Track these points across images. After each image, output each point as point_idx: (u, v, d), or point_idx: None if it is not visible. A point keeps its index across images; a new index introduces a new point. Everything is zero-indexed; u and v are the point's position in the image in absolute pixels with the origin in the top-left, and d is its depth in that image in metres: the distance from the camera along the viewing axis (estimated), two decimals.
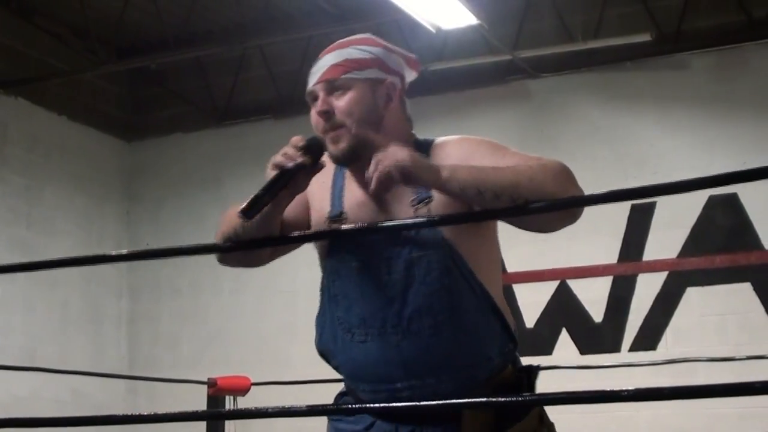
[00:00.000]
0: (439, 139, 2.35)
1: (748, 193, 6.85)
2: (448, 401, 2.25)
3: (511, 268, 7.50)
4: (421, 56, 8.65)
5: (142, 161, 8.95)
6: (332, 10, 7.17)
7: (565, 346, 7.22)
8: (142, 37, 8.09)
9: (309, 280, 7.89)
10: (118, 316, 8.68)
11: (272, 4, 7.71)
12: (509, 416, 2.26)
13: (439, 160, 2.21)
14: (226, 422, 5.46)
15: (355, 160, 2.26)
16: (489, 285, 2.26)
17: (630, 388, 1.66)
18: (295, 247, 2.45)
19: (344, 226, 2.26)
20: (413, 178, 2.06)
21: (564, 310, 7.28)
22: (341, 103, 2.25)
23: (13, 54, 7.85)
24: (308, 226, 2.38)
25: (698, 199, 6.96)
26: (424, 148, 2.30)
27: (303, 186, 2.20)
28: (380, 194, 2.21)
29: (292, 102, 8.14)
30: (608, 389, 1.74)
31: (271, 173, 2.14)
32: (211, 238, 2.43)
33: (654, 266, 7.11)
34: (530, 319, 7.36)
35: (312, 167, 2.16)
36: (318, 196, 2.35)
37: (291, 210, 2.30)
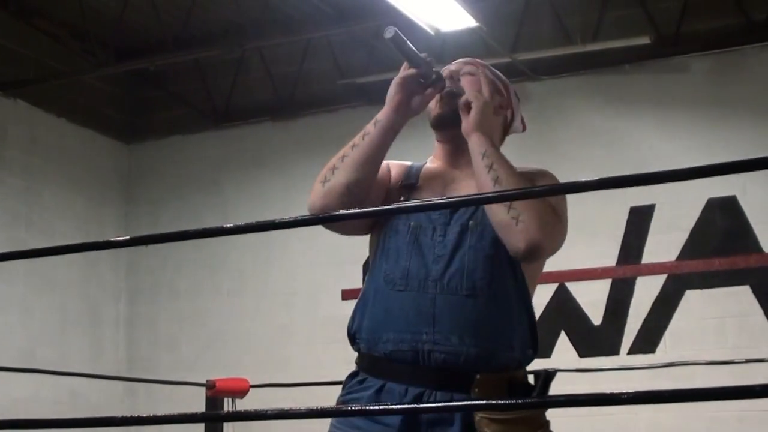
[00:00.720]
0: (525, 166, 2.61)
1: (747, 196, 6.85)
2: (448, 404, 2.25)
3: None
4: None
5: (141, 163, 8.95)
6: (331, 12, 7.17)
7: (563, 349, 7.22)
8: (141, 39, 8.09)
9: (307, 283, 7.93)
10: (116, 318, 8.68)
11: (271, 6, 7.71)
12: (520, 395, 2.34)
13: None
14: (225, 424, 5.45)
15: (447, 126, 2.55)
16: (529, 281, 2.43)
17: (629, 391, 1.66)
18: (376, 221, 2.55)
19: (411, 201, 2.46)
20: (480, 109, 2.45)
21: (563, 313, 7.28)
22: (468, 79, 2.59)
23: (11, 56, 7.85)
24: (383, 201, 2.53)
25: (697, 201, 6.97)
26: None
27: (420, 108, 2.53)
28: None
29: (291, 104, 8.14)
30: (607, 392, 1.74)
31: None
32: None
33: (653, 269, 7.11)
34: None
35: (438, 82, 2.49)
36: (396, 175, 2.55)
37: (379, 180, 2.49)
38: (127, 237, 1.89)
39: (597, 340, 7.17)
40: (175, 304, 8.54)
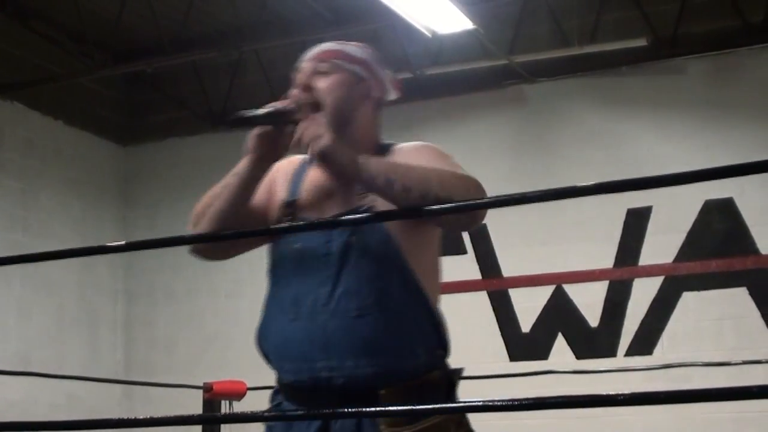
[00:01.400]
0: (401, 144, 2.45)
1: (744, 198, 6.86)
2: (440, 405, 2.24)
3: (507, 272, 7.51)
4: (417, 61, 8.68)
5: (138, 166, 8.95)
6: (329, 15, 7.17)
7: (561, 351, 7.22)
8: (138, 42, 8.09)
9: None
10: (113, 321, 8.67)
11: (268, 9, 7.71)
12: (432, 401, 2.29)
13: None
14: (222, 426, 5.45)
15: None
16: (425, 285, 2.32)
17: (626, 392, 1.66)
18: (265, 240, 2.49)
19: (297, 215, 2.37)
20: (329, 157, 2.18)
21: (560, 315, 7.28)
22: (322, 83, 2.35)
23: (9, 58, 7.85)
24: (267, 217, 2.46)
25: (694, 203, 6.97)
26: (384, 150, 2.41)
27: (281, 153, 2.34)
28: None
29: None
30: (604, 393, 1.74)
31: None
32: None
33: (650, 271, 7.11)
34: (526, 323, 7.37)
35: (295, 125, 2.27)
36: (280, 185, 2.45)
37: (259, 199, 2.42)
38: (123, 242, 1.89)
39: (594, 342, 7.17)
40: (173, 307, 8.53)
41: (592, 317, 7.21)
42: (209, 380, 5.34)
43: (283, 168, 2.46)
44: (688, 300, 6.98)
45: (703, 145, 7.11)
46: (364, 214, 2.27)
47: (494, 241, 7.46)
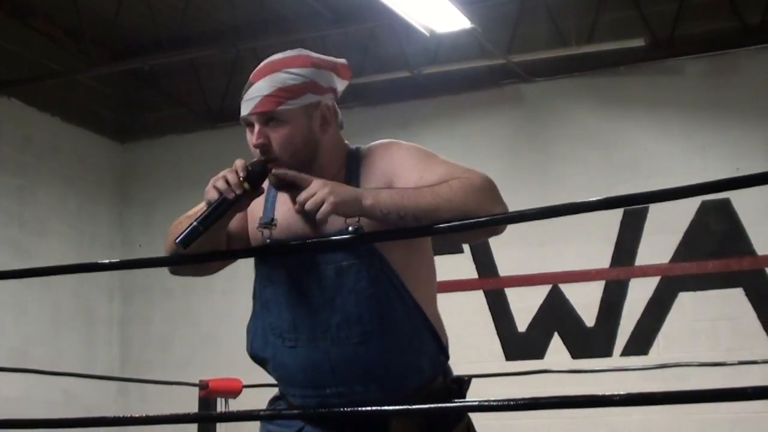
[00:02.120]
0: (368, 146, 2.36)
1: (740, 199, 6.86)
2: (439, 404, 2.24)
3: (503, 272, 7.51)
4: (415, 60, 8.66)
5: (135, 163, 8.95)
6: (326, 13, 7.17)
7: (557, 351, 7.23)
8: (135, 39, 8.08)
9: None
10: (110, 318, 8.67)
11: (266, 7, 7.71)
12: (438, 427, 2.27)
13: (370, 168, 2.28)
14: (218, 424, 5.45)
15: (290, 188, 2.25)
16: (421, 297, 2.28)
17: (622, 392, 1.66)
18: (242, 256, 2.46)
19: (274, 237, 2.30)
20: (339, 213, 2.12)
21: (556, 315, 7.29)
22: (277, 136, 2.24)
23: (6, 55, 7.84)
24: (248, 234, 2.40)
25: (691, 204, 6.97)
26: (356, 159, 2.33)
27: (245, 207, 2.26)
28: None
29: None
30: (600, 394, 1.74)
31: (211, 194, 2.18)
32: None
33: (646, 271, 7.12)
34: (522, 323, 7.37)
35: (253, 193, 2.20)
36: (255, 203, 2.33)
37: (234, 219, 2.33)
38: (117, 260, 1.89)
39: (590, 342, 7.18)
40: (169, 304, 8.53)
41: (588, 317, 7.22)
42: (205, 378, 5.35)
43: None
44: (685, 300, 6.99)
45: (700, 145, 7.12)
46: (359, 234, 2.19)
47: (490, 241, 7.46)
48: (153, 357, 8.51)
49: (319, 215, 2.09)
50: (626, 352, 7.06)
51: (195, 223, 2.14)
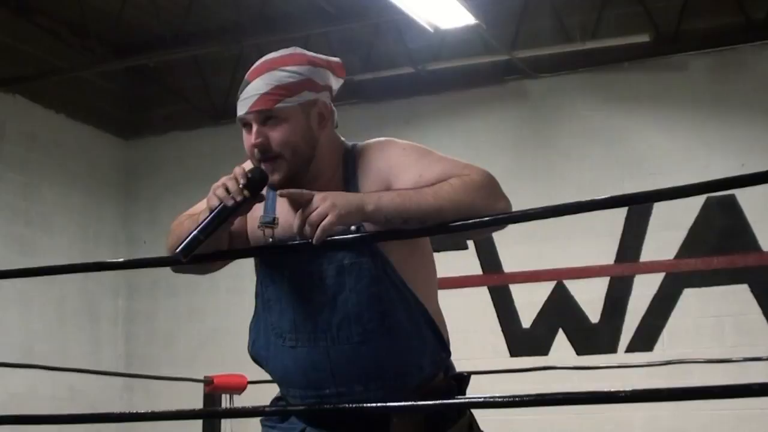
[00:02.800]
0: (364, 145, 2.35)
1: (745, 195, 6.84)
2: (445, 401, 2.24)
3: (507, 268, 7.50)
4: (419, 56, 8.64)
5: (139, 159, 8.95)
6: (330, 10, 7.16)
7: (561, 347, 7.22)
8: (140, 36, 8.08)
9: None
10: (115, 314, 8.68)
11: (270, 3, 7.71)
12: (438, 425, 2.26)
13: (367, 168, 2.27)
14: (223, 420, 5.45)
15: (291, 187, 2.23)
16: (422, 293, 2.28)
17: (627, 389, 1.66)
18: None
19: (276, 236, 2.29)
20: (342, 224, 2.11)
21: (561, 311, 7.28)
22: (276, 134, 2.23)
23: (11, 51, 7.84)
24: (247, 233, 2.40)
25: (696, 200, 6.96)
26: (352, 157, 2.32)
27: (246, 212, 2.25)
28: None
29: None
30: (605, 390, 1.74)
31: (212, 201, 2.17)
32: None
33: (651, 267, 7.11)
34: (527, 319, 7.36)
35: (253, 199, 2.19)
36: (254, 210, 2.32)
37: (237, 230, 2.34)
38: (121, 259, 1.89)
39: (595, 338, 7.17)
40: (174, 301, 8.54)
41: (593, 313, 7.21)
42: (210, 374, 5.35)
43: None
44: (689, 297, 6.98)
45: (704, 141, 7.11)
46: (363, 233, 2.19)
47: (495, 237, 7.45)
48: (158, 353, 8.52)
49: (321, 229, 2.07)
50: (631, 349, 7.06)
51: (195, 232, 2.15)
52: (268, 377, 2.46)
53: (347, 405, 2.23)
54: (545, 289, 7.35)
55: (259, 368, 2.46)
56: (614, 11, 7.46)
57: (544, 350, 7.25)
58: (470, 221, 2.11)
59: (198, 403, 5.36)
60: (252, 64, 2.35)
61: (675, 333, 6.97)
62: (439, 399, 2.27)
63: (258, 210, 2.33)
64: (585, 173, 7.33)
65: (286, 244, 2.28)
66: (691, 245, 7.02)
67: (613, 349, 7.10)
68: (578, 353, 7.17)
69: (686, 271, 7.00)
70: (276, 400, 2.46)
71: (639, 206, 7.11)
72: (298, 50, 2.35)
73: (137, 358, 8.60)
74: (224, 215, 2.17)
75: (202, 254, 2.24)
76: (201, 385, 5.29)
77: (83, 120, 8.52)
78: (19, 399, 7.33)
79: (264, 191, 2.26)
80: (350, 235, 2.17)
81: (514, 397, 1.94)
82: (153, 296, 8.63)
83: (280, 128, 2.23)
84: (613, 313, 7.15)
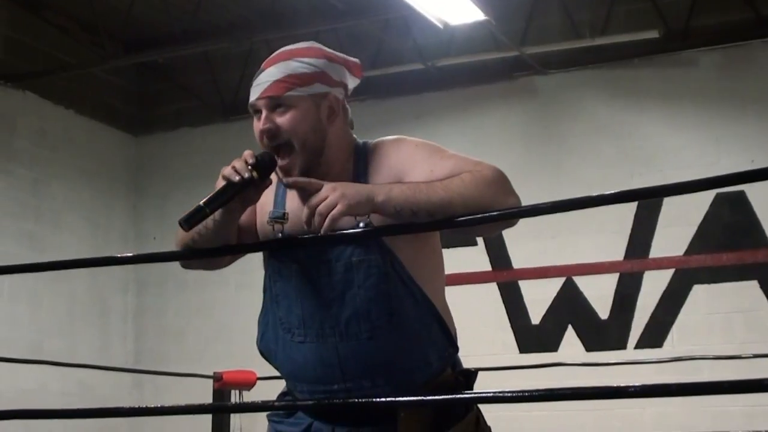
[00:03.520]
0: (376, 142, 2.35)
1: (755, 191, 6.83)
2: (453, 395, 2.24)
3: (517, 264, 7.50)
4: (429, 52, 8.64)
5: (148, 155, 8.97)
6: (340, 6, 7.16)
7: (570, 343, 7.22)
8: (149, 32, 8.10)
9: None
10: (124, 310, 8.70)
11: (279, 0, 7.71)
12: (446, 418, 2.27)
13: (378, 164, 2.28)
14: (232, 416, 5.46)
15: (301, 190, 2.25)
16: (430, 289, 2.28)
17: (636, 384, 1.66)
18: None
19: (285, 231, 2.30)
20: (351, 214, 2.10)
21: (570, 307, 7.28)
22: (285, 120, 2.24)
23: (21, 48, 7.87)
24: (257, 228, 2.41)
25: (705, 196, 6.95)
26: (363, 153, 2.32)
27: (255, 199, 2.25)
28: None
29: None
30: (614, 386, 1.74)
31: (220, 183, 2.19)
32: None
33: (660, 263, 7.10)
34: (536, 315, 7.36)
35: (261, 182, 2.19)
36: (264, 197, 2.32)
37: (244, 213, 2.33)
38: (131, 254, 1.90)
39: (604, 334, 7.17)
40: (183, 296, 8.55)
41: (602, 309, 7.21)
42: (219, 370, 5.36)
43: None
44: (699, 293, 6.97)
45: (714, 137, 7.09)
46: (369, 228, 2.18)
47: (504, 233, 7.45)
48: (167, 349, 8.54)
49: (330, 218, 2.06)
50: (640, 345, 7.05)
51: (201, 204, 2.15)
52: (277, 373, 2.47)
53: (357, 399, 2.25)
54: (554, 285, 7.35)
55: (269, 364, 2.47)
56: (623, 7, 7.45)
57: (553, 346, 7.24)
58: (479, 215, 2.11)
59: (207, 399, 5.37)
60: (265, 60, 2.37)
61: (684, 329, 6.96)
62: (447, 394, 2.27)
63: (268, 205, 2.34)
64: (594, 169, 7.32)
65: (294, 238, 2.28)
66: (700, 241, 7.00)
67: (622, 346, 7.09)
68: (587, 349, 7.17)
69: (695, 268, 6.99)
70: (282, 395, 2.47)
71: (648, 202, 7.11)
72: (316, 45, 2.37)
73: (146, 354, 8.62)
74: (231, 192, 2.17)
75: (212, 248, 2.26)
76: (210, 381, 5.30)
77: (93, 116, 8.54)
78: (29, 395, 7.36)
79: (274, 185, 2.27)
80: (359, 230, 2.16)
81: (522, 391, 1.94)
82: (162, 292, 8.65)
83: (288, 115, 2.24)
84: (623, 310, 7.14)
